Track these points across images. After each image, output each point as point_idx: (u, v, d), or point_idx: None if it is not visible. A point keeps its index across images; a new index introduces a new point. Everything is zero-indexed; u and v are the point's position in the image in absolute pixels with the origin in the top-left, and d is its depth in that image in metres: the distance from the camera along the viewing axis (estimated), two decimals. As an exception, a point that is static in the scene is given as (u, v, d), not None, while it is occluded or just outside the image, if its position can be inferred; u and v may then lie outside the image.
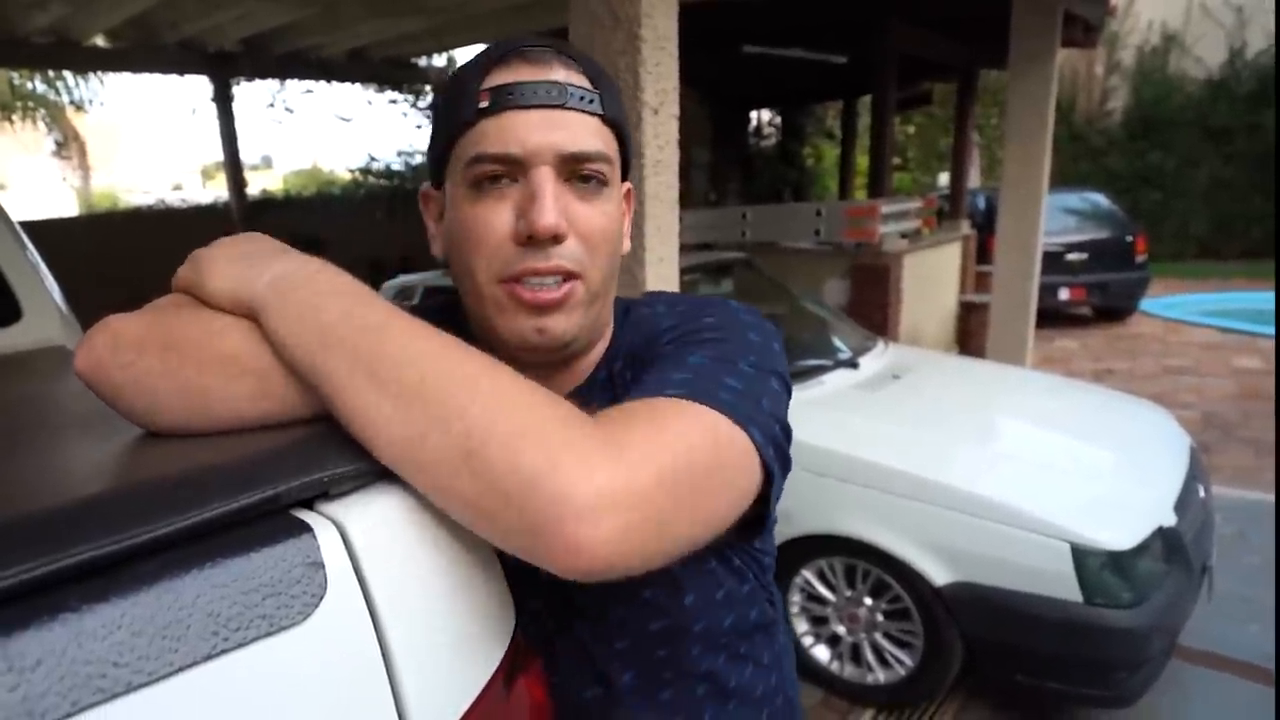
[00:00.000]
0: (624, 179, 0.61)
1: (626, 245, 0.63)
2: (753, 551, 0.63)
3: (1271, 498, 3.20)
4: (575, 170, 0.54)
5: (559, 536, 0.38)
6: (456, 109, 0.54)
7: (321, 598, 0.37)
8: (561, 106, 0.53)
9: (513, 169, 0.53)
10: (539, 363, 0.58)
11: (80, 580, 0.32)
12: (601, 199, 0.56)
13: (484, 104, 0.53)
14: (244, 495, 0.37)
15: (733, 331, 0.56)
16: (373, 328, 0.43)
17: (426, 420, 0.40)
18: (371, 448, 0.42)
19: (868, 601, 2.02)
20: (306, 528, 0.38)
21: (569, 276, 0.55)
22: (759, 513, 0.54)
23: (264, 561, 0.36)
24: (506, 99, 0.52)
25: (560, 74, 0.53)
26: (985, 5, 4.03)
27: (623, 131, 0.58)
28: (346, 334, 0.43)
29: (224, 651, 0.34)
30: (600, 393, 0.61)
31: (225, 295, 0.47)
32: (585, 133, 0.54)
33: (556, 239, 0.53)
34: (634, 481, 0.40)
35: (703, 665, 0.61)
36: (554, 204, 0.52)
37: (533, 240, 0.53)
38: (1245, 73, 9.73)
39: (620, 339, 0.64)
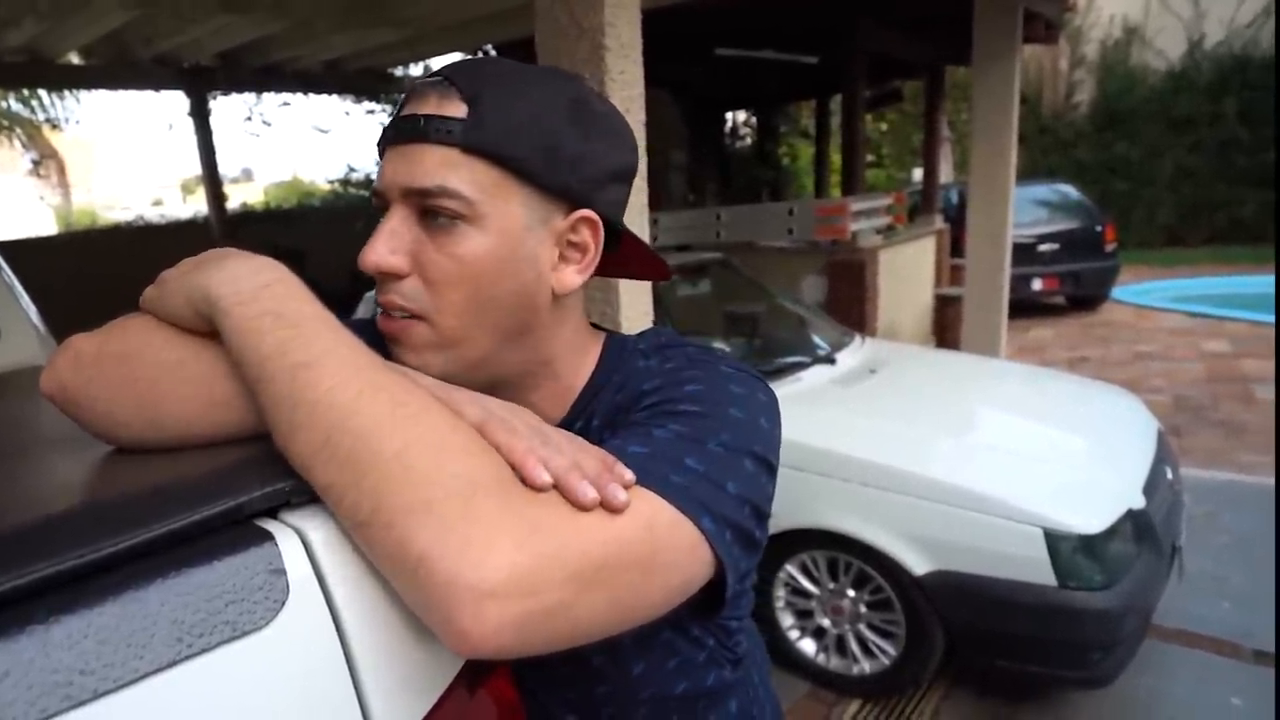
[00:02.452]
0: (575, 205, 0.54)
1: (573, 280, 0.56)
2: (718, 621, 0.59)
3: (1242, 477, 3.28)
4: (425, 206, 0.51)
5: (446, 620, 0.38)
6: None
7: (284, 603, 0.38)
8: (416, 140, 0.51)
9: (385, 204, 0.53)
10: None
11: (47, 593, 0.33)
12: (452, 238, 0.51)
13: (379, 144, 0.55)
14: (207, 506, 0.39)
15: (714, 405, 0.52)
16: (300, 366, 0.42)
17: (328, 478, 0.40)
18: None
19: (850, 593, 2.06)
20: (268, 536, 0.40)
21: (412, 315, 0.53)
22: (715, 595, 0.50)
23: (227, 569, 0.37)
24: (384, 137, 0.54)
25: (430, 106, 0.51)
26: (949, 5, 4.11)
27: (514, 159, 0.51)
28: (275, 371, 0.42)
29: (189, 657, 0.35)
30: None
31: (182, 308, 0.48)
32: (431, 166, 0.50)
33: (395, 276, 0.52)
34: (537, 570, 0.38)
35: (646, 713, 0.60)
36: (382, 242, 0.51)
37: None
38: (1205, 64, 9.97)
39: (606, 386, 0.59)
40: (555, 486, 0.43)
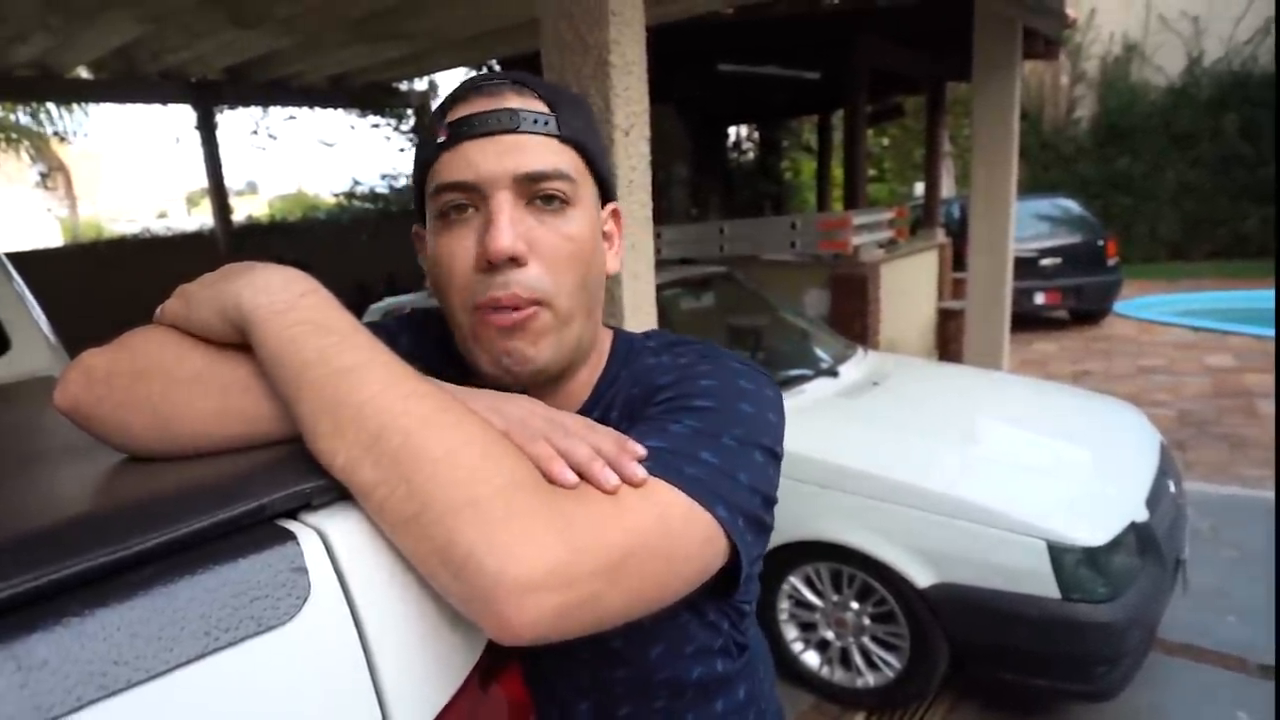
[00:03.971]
0: (607, 199, 0.61)
1: (614, 265, 0.63)
2: (732, 603, 0.61)
3: (1246, 492, 3.27)
4: (535, 191, 0.54)
5: (490, 612, 0.40)
6: (424, 147, 0.57)
7: (306, 600, 0.40)
8: (514, 130, 0.53)
9: (473, 197, 0.54)
10: (519, 388, 0.58)
11: (82, 587, 0.35)
12: (564, 219, 0.55)
13: (442, 139, 0.55)
14: (231, 507, 0.40)
15: (726, 399, 0.55)
16: (345, 371, 0.43)
17: (376, 476, 0.42)
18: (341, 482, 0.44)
19: (854, 606, 2.05)
20: (291, 536, 0.41)
21: (533, 303, 0.54)
22: (729, 578, 0.53)
23: (252, 567, 0.39)
24: (462, 131, 0.54)
25: (514, 101, 0.54)
26: (949, 21, 4.16)
27: (588, 150, 0.57)
28: (318, 376, 0.43)
29: (216, 650, 0.36)
30: None
31: (212, 318, 0.48)
32: (540, 153, 0.54)
33: (516, 262, 0.53)
34: (574, 564, 0.41)
35: (661, 703, 0.62)
36: (509, 227, 0.52)
37: (492, 265, 0.53)
38: (1204, 80, 10.05)
39: (619, 379, 0.63)
40: (580, 477, 0.46)
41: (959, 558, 1.85)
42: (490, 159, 0.53)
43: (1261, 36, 9.73)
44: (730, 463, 0.51)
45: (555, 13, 1.55)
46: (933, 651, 1.93)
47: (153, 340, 0.51)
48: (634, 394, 0.61)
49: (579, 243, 0.56)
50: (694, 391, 0.55)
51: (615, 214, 0.63)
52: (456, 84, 0.59)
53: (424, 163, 0.57)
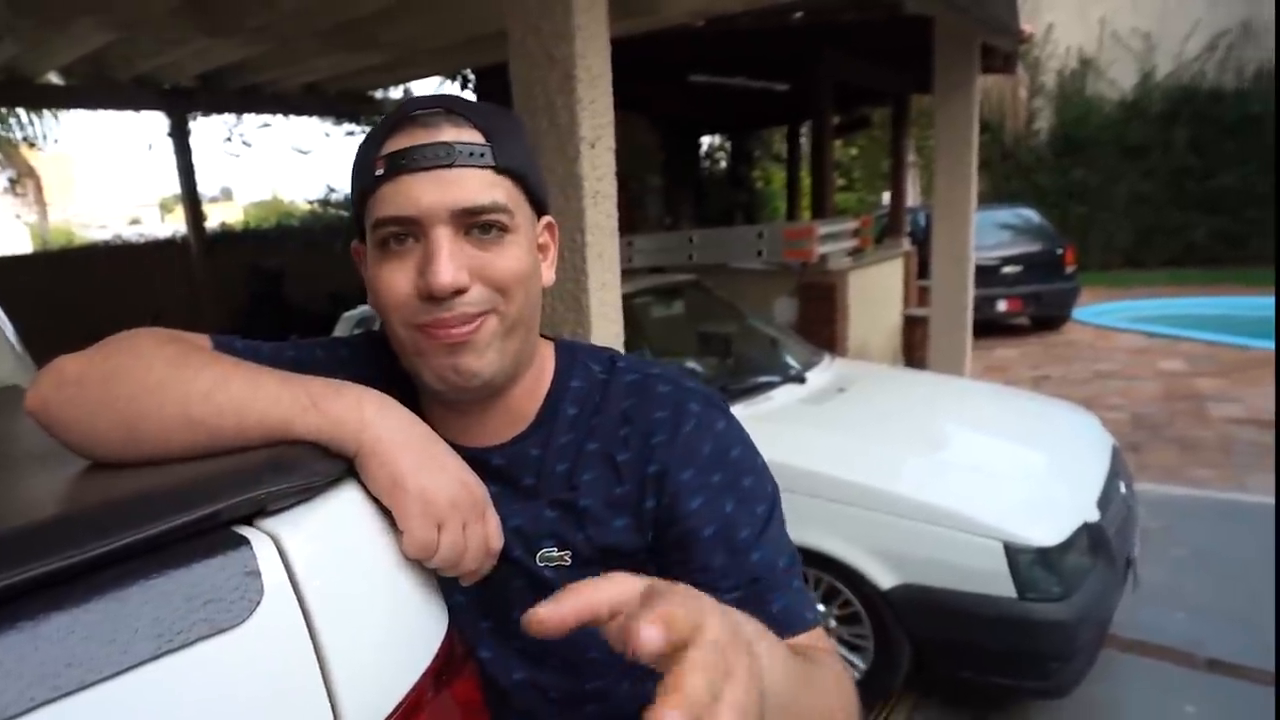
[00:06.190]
0: (542, 214, 0.63)
1: (549, 278, 0.65)
2: None
3: (1195, 492, 3.40)
4: (472, 223, 0.55)
5: None
6: (360, 176, 0.58)
7: (259, 603, 0.41)
8: (450, 165, 0.54)
9: (412, 229, 0.55)
10: (467, 402, 0.60)
11: (37, 591, 0.36)
12: (504, 245, 0.57)
13: (380, 171, 0.55)
14: (185, 513, 0.41)
15: (753, 463, 0.63)
16: None
17: None
18: None
19: (820, 608, 2.09)
20: (244, 541, 0.42)
21: (480, 314, 0.56)
22: None
23: (205, 571, 0.40)
24: (399, 164, 0.55)
25: (448, 134, 0.55)
26: (912, 37, 4.27)
27: (524, 176, 0.59)
28: None
29: (169, 652, 0.37)
30: (582, 458, 0.61)
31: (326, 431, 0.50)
32: (477, 186, 0.55)
33: (458, 292, 0.55)
34: None
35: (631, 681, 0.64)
36: (449, 261, 0.54)
37: (434, 297, 0.54)
38: (1155, 94, 10.43)
39: (580, 396, 0.63)
40: None
41: (920, 559, 1.90)
42: (428, 193, 0.54)
43: (1208, 54, 10.14)
44: (788, 543, 0.62)
45: (523, 27, 1.57)
46: (896, 651, 1.97)
47: (125, 346, 0.52)
48: (623, 433, 0.61)
49: (518, 267, 0.57)
50: (738, 465, 0.61)
51: (549, 227, 0.65)
52: (393, 110, 0.59)
53: (362, 191, 0.58)
